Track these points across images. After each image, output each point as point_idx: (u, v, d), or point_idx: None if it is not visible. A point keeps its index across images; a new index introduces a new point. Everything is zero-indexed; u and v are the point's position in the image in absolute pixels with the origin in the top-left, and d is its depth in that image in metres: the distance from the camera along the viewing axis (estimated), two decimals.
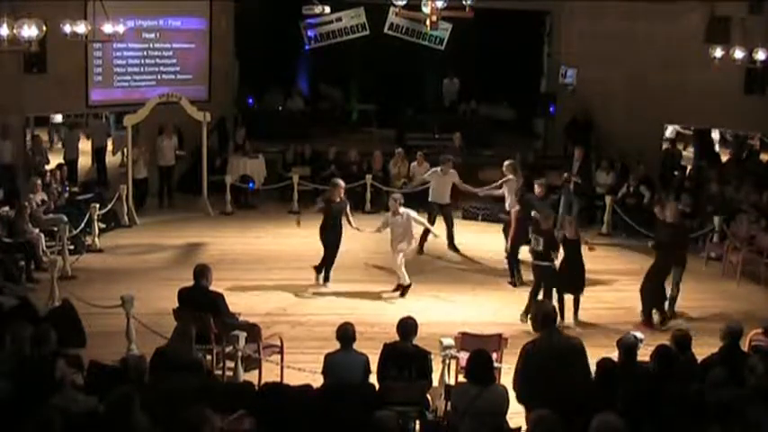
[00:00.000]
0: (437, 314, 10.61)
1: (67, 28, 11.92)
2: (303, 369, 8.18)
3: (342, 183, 11.96)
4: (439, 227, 13.49)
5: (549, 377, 6.30)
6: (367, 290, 11.73)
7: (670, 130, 20.89)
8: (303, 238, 13.74)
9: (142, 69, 17.10)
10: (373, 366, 7.26)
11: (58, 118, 21.44)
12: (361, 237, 12.24)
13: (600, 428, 4.86)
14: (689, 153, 20.73)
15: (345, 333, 7.27)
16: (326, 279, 11.87)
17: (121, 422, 5.11)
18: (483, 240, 14.17)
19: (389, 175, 16.71)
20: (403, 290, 11.60)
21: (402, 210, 11.49)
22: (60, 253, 12.11)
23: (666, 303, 10.97)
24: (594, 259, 11.66)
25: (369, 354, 7.37)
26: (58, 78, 15.48)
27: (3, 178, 14.26)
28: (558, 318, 8.81)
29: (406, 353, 7.26)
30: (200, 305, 8.56)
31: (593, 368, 6.93)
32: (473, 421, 6.09)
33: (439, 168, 13.82)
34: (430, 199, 13.84)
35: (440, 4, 13.74)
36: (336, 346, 7.35)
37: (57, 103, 16.69)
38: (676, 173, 17.59)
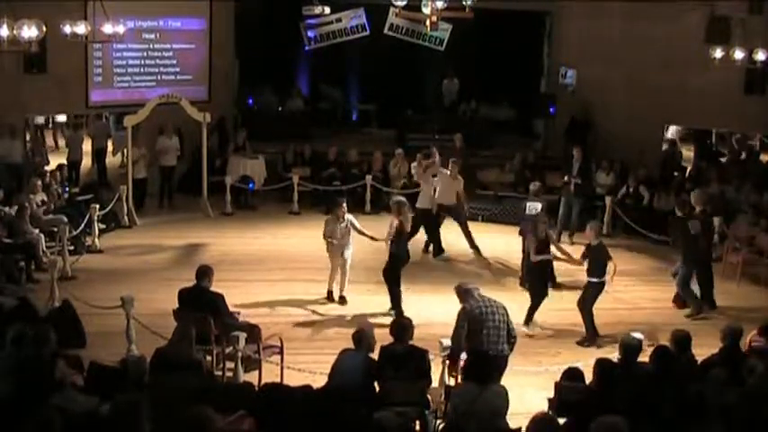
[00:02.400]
0: (437, 314, 10.58)
1: (67, 28, 11.88)
2: (303, 369, 8.19)
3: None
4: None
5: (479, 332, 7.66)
6: (367, 290, 11.72)
7: (672, 131, 20.83)
8: (303, 239, 13.74)
9: (142, 70, 17.10)
10: None
11: (61, 118, 21.42)
12: (360, 239, 12.23)
13: (600, 429, 4.86)
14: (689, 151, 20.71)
15: (359, 337, 7.24)
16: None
17: (129, 430, 5.06)
18: (483, 241, 14.12)
19: (389, 176, 16.70)
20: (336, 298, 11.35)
21: (347, 216, 11.27)
22: (60, 253, 12.09)
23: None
24: None
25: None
26: (58, 79, 15.49)
27: (12, 177, 14.32)
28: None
29: (401, 354, 7.24)
30: (201, 306, 8.55)
31: (591, 367, 6.97)
32: (473, 421, 6.09)
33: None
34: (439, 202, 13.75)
35: (440, 5, 13.72)
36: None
37: (57, 103, 16.69)
38: (676, 173, 17.57)
